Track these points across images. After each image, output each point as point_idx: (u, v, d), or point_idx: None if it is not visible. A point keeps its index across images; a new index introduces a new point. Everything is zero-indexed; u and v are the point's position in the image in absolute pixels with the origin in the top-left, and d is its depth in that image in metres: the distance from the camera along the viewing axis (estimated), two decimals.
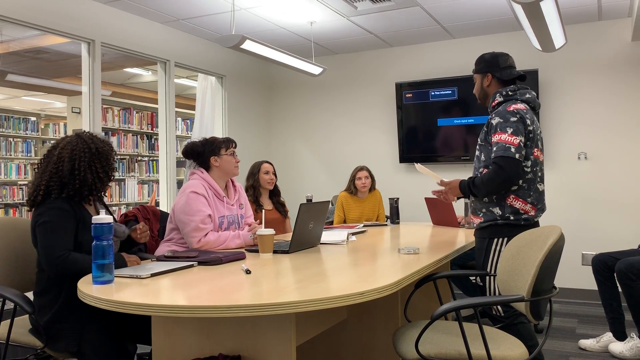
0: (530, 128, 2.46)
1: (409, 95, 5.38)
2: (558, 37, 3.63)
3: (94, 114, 4.11)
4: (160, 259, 2.38)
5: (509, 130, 2.40)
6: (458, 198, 2.70)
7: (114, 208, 6.27)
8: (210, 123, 5.43)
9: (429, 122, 5.31)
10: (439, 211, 3.83)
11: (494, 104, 2.60)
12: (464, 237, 3.12)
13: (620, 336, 3.31)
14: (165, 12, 4.42)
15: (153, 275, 2.01)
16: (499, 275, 2.19)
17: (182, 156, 3.06)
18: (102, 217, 1.89)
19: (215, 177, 2.90)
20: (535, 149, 2.50)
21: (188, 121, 7.19)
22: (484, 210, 2.53)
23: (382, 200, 4.64)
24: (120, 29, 4.32)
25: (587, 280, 4.09)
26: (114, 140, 6.36)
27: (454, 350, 1.83)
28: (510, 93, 2.56)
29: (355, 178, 4.53)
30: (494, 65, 2.62)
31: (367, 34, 5.14)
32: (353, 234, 3.31)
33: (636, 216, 4.63)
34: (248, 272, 2.05)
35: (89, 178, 2.23)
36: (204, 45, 5.23)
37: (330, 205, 4.61)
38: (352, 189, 4.54)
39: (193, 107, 5.65)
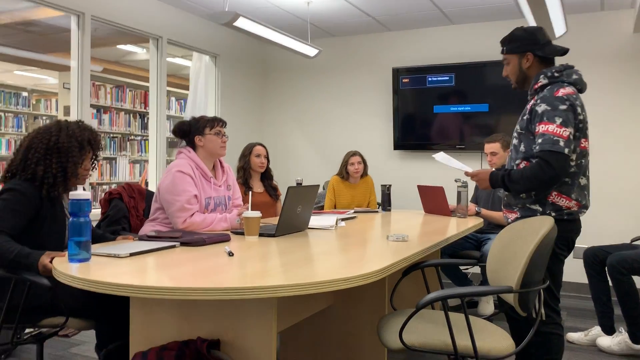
0: (581, 117, 2.22)
1: (406, 80, 5.29)
2: (559, 26, 3.56)
3: (82, 89, 4.01)
4: (142, 238, 2.32)
5: (558, 121, 2.15)
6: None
7: (104, 187, 6.20)
8: (203, 103, 5.35)
9: (425, 109, 5.23)
10: (431, 199, 3.78)
11: (536, 86, 2.32)
12: (455, 227, 3.07)
13: (609, 330, 3.28)
14: None
15: (132, 254, 1.94)
16: (489, 265, 2.14)
17: (172, 135, 2.99)
18: (80, 193, 1.83)
19: (202, 157, 2.83)
20: (583, 140, 2.25)
21: (182, 101, 7.10)
22: (519, 206, 2.32)
23: (374, 186, 4.59)
24: (112, 3, 4.21)
25: (577, 274, 4.06)
26: (105, 118, 6.27)
27: (439, 340, 1.79)
28: (556, 74, 2.28)
29: (347, 163, 4.46)
30: (534, 41, 2.32)
31: (365, 16, 5.04)
32: (342, 219, 3.25)
33: (629, 210, 4.60)
34: (231, 254, 1.99)
35: (39, 171, 2.16)
36: (198, 22, 5.12)
37: (320, 190, 4.56)
38: (344, 174, 4.48)
39: (187, 87, 5.56)
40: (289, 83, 6.06)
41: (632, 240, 3.57)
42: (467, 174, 2.59)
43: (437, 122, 5.20)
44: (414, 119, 5.31)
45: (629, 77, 4.62)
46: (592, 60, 4.71)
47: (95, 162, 2.35)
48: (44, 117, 7.31)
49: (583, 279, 3.50)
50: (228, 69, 5.56)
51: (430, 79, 5.18)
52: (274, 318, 1.76)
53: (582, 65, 4.83)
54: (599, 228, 4.65)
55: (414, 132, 5.32)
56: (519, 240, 1.92)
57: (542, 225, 1.84)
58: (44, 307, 2.09)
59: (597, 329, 3.34)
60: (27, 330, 2.44)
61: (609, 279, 3.23)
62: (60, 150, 2.19)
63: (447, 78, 5.11)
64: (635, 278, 3.12)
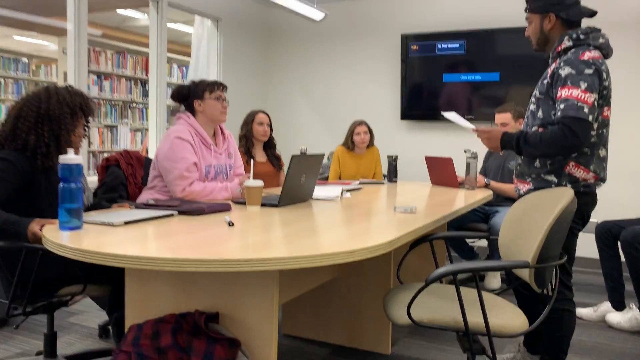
0: (605, 83, 2.09)
1: (415, 47, 5.11)
2: None
3: (79, 54, 3.87)
4: (139, 206, 2.22)
5: (583, 85, 2.01)
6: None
7: (105, 155, 6.10)
8: (205, 70, 5.21)
9: (433, 78, 5.07)
10: (439, 171, 3.66)
11: (559, 49, 2.18)
12: (463, 199, 2.96)
13: (619, 306, 3.20)
14: None
15: (127, 222, 1.85)
16: (501, 239, 2.04)
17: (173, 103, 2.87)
18: (70, 157, 1.72)
19: (202, 123, 2.71)
20: (606, 108, 2.13)
21: (184, 68, 6.94)
22: (534, 176, 2.20)
23: (380, 157, 4.47)
24: None
25: (587, 248, 3.96)
26: (106, 84, 6.14)
27: (449, 316, 1.70)
28: (582, 37, 2.14)
29: (353, 133, 4.34)
30: (558, 2, 2.17)
31: None
32: (348, 190, 3.15)
33: None
34: (231, 224, 1.89)
35: (30, 141, 2.05)
36: None
37: (325, 160, 4.45)
38: (349, 144, 4.36)
39: (189, 54, 5.41)
40: (294, 49, 5.89)
41: None
42: (475, 130, 2.44)
43: (445, 92, 5.04)
44: (422, 88, 5.15)
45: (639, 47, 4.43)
46: (614, 26, 4.51)
47: (87, 128, 2.25)
48: (45, 84, 7.18)
49: (591, 253, 3.40)
50: (230, 34, 5.39)
51: (440, 46, 5.00)
52: (276, 291, 1.67)
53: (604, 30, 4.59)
54: (611, 202, 4.52)
55: (422, 102, 5.16)
56: (535, 212, 1.81)
57: (561, 196, 1.73)
58: (59, 276, 2.03)
59: (606, 305, 3.27)
60: None
61: (621, 254, 3.13)
62: (52, 118, 2.09)
63: (458, 45, 4.92)
64: None
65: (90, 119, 2.23)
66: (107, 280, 2.13)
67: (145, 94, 6.40)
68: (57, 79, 7.12)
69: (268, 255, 1.47)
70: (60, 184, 1.72)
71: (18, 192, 2.03)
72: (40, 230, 1.81)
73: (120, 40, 7.20)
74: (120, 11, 6.61)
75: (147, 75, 6.30)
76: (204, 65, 5.20)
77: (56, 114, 2.09)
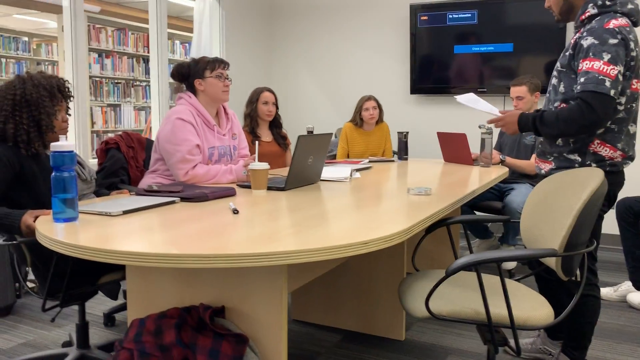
0: (634, 54, 1.93)
1: (424, 18, 4.91)
2: None
3: (77, 31, 3.73)
4: (140, 192, 2.12)
5: (606, 57, 1.87)
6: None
7: (110, 135, 6.00)
8: (208, 46, 5.05)
9: (444, 50, 4.88)
10: (452, 147, 3.53)
11: (583, 17, 2.03)
12: (478, 177, 2.83)
13: None
14: None
15: (125, 212, 1.74)
16: (523, 222, 1.92)
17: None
18: (62, 144, 1.61)
19: (204, 103, 2.58)
20: (635, 80, 1.97)
21: (187, 45, 6.78)
22: (556, 155, 2.07)
23: (390, 134, 4.33)
24: None
25: (608, 224, 3.82)
26: (107, 62, 6.01)
27: (470, 309, 1.59)
28: (608, 2, 1.97)
29: (362, 109, 4.19)
30: None
31: None
32: (357, 170, 3.02)
33: None
34: (236, 211, 1.78)
35: (8, 129, 1.95)
36: None
37: (333, 138, 4.31)
38: (357, 120, 4.22)
39: (192, 30, 5.25)
40: (298, 23, 5.70)
41: None
42: (490, 121, 2.30)
43: (456, 64, 4.85)
44: (432, 60, 4.97)
45: None
46: None
47: (69, 114, 2.15)
48: (46, 62, 7.05)
49: (614, 230, 3.27)
50: (233, 9, 5.22)
51: (450, 15, 4.80)
52: (285, 284, 1.57)
53: None
54: (632, 177, 4.37)
55: (432, 75, 4.98)
56: (561, 195, 1.69)
57: (590, 178, 1.60)
58: (99, 264, 1.93)
59: (627, 284, 3.15)
60: None
61: None
62: (30, 102, 1.99)
63: (470, 15, 4.72)
64: None
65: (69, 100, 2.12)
66: None
67: (148, 71, 6.27)
68: (57, 57, 6.99)
69: (276, 248, 1.36)
70: (53, 173, 1.62)
71: (13, 184, 1.95)
72: (34, 221, 1.71)
73: (120, 16, 7.03)
74: None
75: (149, 52, 6.15)
76: (206, 42, 5.04)
77: (34, 97, 2.00)
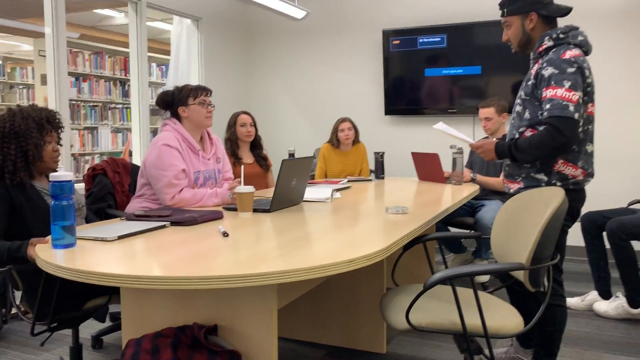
0: (589, 80, 2.12)
1: (396, 42, 5.12)
2: None
3: (59, 57, 3.80)
4: (130, 217, 2.20)
5: (566, 84, 2.04)
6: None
7: (87, 158, 6.02)
8: (186, 69, 5.14)
9: (416, 72, 5.08)
10: (425, 167, 3.69)
11: (540, 49, 2.20)
12: (450, 195, 2.99)
13: (606, 295, 3.27)
14: None
15: (120, 237, 1.83)
16: (494, 238, 2.06)
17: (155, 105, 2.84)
18: (61, 175, 1.70)
19: (188, 129, 2.69)
20: (590, 105, 2.15)
21: (163, 67, 6.86)
22: (523, 175, 2.23)
23: (367, 154, 4.48)
24: None
25: (574, 237, 4.03)
26: (85, 86, 6.04)
27: (447, 319, 1.72)
28: (562, 36, 2.16)
29: (338, 130, 4.34)
30: (537, 0, 2.20)
31: None
32: (337, 190, 3.15)
33: (626, 173, 4.56)
34: (225, 234, 1.88)
35: None
36: None
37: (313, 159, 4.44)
38: (334, 141, 4.36)
39: (168, 52, 5.34)
40: (276, 47, 5.85)
41: (629, 204, 3.53)
42: (471, 145, 2.47)
43: (428, 86, 5.06)
44: (404, 82, 5.17)
45: (623, 37, 4.50)
46: (587, 20, 4.57)
47: (61, 144, 2.22)
48: (20, 86, 7.03)
49: (579, 242, 3.46)
50: (211, 33, 5.34)
51: (421, 40, 5.02)
52: (274, 304, 1.67)
53: (576, 24, 4.67)
54: (595, 192, 4.60)
55: (405, 97, 5.18)
56: (527, 212, 1.84)
57: (552, 196, 1.76)
58: (84, 290, 2.00)
59: (593, 294, 3.33)
60: None
61: (607, 243, 3.19)
62: (18, 134, 2.05)
63: (439, 39, 4.94)
64: (634, 243, 3.09)
65: (61, 131, 2.19)
66: None
67: (125, 94, 6.31)
68: (33, 81, 6.98)
69: (265, 269, 1.46)
70: (52, 202, 1.70)
71: (10, 217, 2.02)
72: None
73: (97, 40, 7.08)
74: (96, 11, 6.50)
75: (126, 74, 6.21)
76: (184, 65, 5.13)
77: (22, 129, 2.06)
